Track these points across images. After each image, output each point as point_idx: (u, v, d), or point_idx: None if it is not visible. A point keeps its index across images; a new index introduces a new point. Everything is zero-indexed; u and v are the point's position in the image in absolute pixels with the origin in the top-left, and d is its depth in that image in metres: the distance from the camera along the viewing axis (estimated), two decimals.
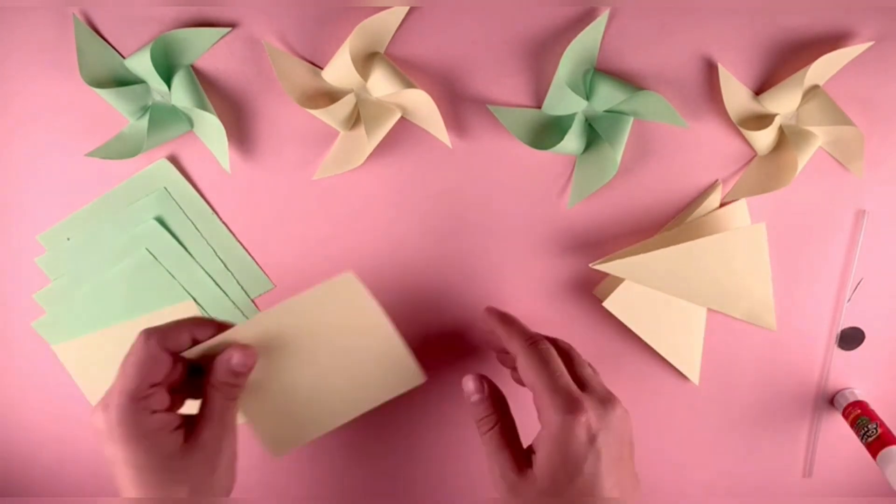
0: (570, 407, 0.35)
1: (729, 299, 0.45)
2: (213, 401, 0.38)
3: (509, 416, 0.40)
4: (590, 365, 0.40)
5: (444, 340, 0.48)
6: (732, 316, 0.46)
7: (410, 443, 0.51)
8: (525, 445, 0.38)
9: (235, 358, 0.37)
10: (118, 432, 0.35)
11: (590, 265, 0.43)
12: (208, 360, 0.37)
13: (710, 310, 0.46)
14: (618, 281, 0.44)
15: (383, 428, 0.51)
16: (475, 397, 0.40)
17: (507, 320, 0.41)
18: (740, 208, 0.44)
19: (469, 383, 0.40)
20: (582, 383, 0.38)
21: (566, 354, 0.39)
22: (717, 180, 0.43)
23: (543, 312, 0.47)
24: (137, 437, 0.35)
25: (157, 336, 0.36)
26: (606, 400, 0.37)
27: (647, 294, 0.44)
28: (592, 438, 0.35)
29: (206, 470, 0.38)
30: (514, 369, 0.40)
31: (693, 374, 0.48)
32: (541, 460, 0.36)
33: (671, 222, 0.45)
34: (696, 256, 0.43)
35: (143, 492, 0.36)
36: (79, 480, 0.52)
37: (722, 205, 0.44)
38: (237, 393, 0.38)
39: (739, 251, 0.43)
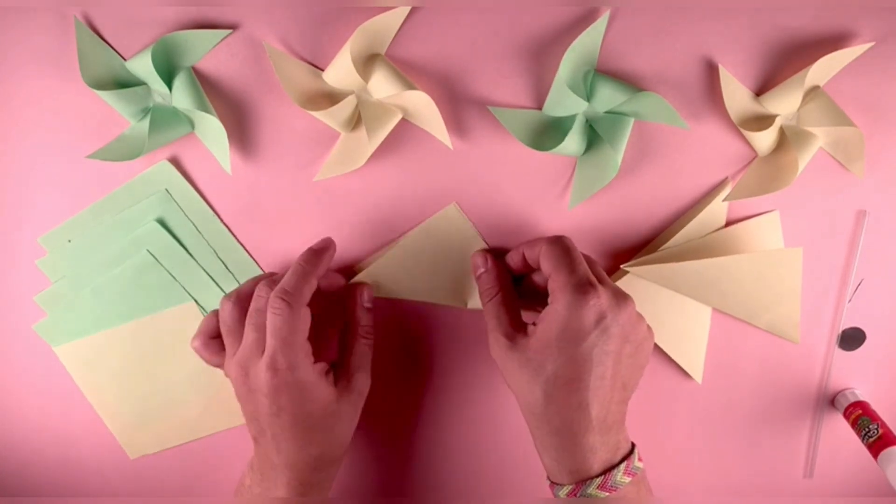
0: (585, 288, 0.36)
1: (756, 312, 0.46)
2: (358, 347, 0.43)
3: (512, 291, 0.42)
4: (607, 275, 0.41)
5: (444, 340, 0.48)
6: (756, 325, 0.46)
7: (412, 441, 0.51)
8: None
9: (366, 293, 0.43)
10: (291, 384, 0.38)
11: (622, 266, 0.44)
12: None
13: (714, 309, 0.46)
14: (621, 274, 0.44)
15: (385, 428, 0.51)
16: (480, 270, 0.43)
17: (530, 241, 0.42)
18: (772, 221, 0.44)
19: (476, 258, 0.43)
20: (599, 279, 0.38)
21: (585, 258, 0.40)
22: (726, 178, 0.43)
23: None
24: (306, 387, 0.39)
25: (296, 293, 0.38)
26: (620, 295, 0.38)
27: (650, 290, 0.44)
28: (600, 319, 0.36)
29: (354, 413, 0.42)
30: (494, 295, 0.42)
31: (697, 372, 0.48)
32: (542, 328, 0.37)
33: (683, 217, 0.45)
34: (731, 271, 0.43)
35: (299, 443, 0.39)
36: (80, 481, 0.52)
37: (754, 215, 0.44)
38: (372, 335, 0.44)
39: (775, 271, 0.44)
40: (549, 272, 0.38)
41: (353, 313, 0.43)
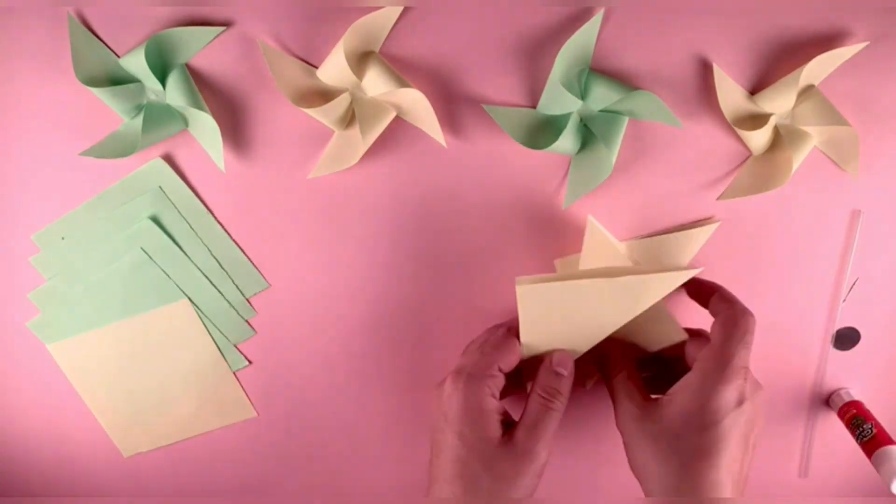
0: (737, 369, 0.36)
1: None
2: (532, 405, 0.39)
3: (636, 366, 0.42)
4: None
5: (440, 339, 0.48)
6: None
7: (414, 445, 0.51)
8: None
9: (556, 356, 0.41)
10: (461, 401, 0.38)
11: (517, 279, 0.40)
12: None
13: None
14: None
15: (386, 426, 0.51)
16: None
17: (715, 288, 0.41)
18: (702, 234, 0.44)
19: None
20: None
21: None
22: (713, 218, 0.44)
23: None
24: (474, 411, 0.38)
25: (514, 334, 0.40)
26: (756, 382, 0.38)
27: None
28: (741, 401, 0.36)
29: (512, 470, 0.38)
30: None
31: None
32: (681, 399, 0.37)
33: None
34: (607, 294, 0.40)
35: (458, 470, 0.38)
36: (74, 480, 0.52)
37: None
38: (558, 401, 0.39)
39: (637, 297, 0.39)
40: (715, 336, 0.38)
41: (539, 373, 0.41)
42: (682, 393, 0.37)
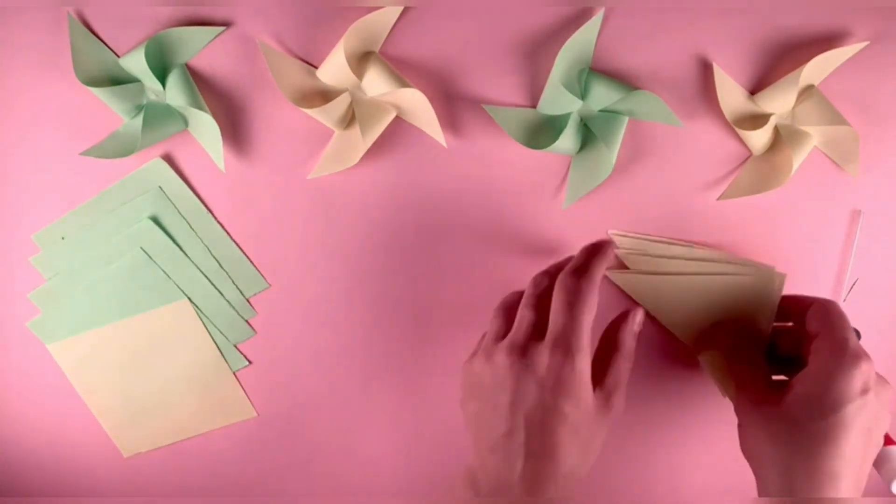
0: (857, 353, 0.35)
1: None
2: (620, 370, 0.38)
3: (761, 350, 0.42)
4: None
5: (440, 339, 0.48)
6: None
7: (418, 436, 0.51)
8: None
9: (638, 316, 0.40)
10: (582, 375, 0.35)
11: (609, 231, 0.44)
12: None
13: None
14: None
15: (386, 426, 0.51)
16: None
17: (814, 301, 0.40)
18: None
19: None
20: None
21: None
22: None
23: None
24: (579, 384, 0.35)
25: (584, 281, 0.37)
26: (882, 377, 0.37)
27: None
28: (865, 390, 0.35)
29: (606, 434, 0.37)
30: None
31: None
32: (803, 387, 0.36)
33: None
34: (700, 291, 0.43)
35: (576, 443, 0.35)
36: (74, 481, 0.52)
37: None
38: (633, 360, 0.39)
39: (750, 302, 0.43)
40: (819, 331, 0.37)
41: (623, 335, 0.39)
42: (803, 380, 0.36)
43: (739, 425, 0.39)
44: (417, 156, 0.43)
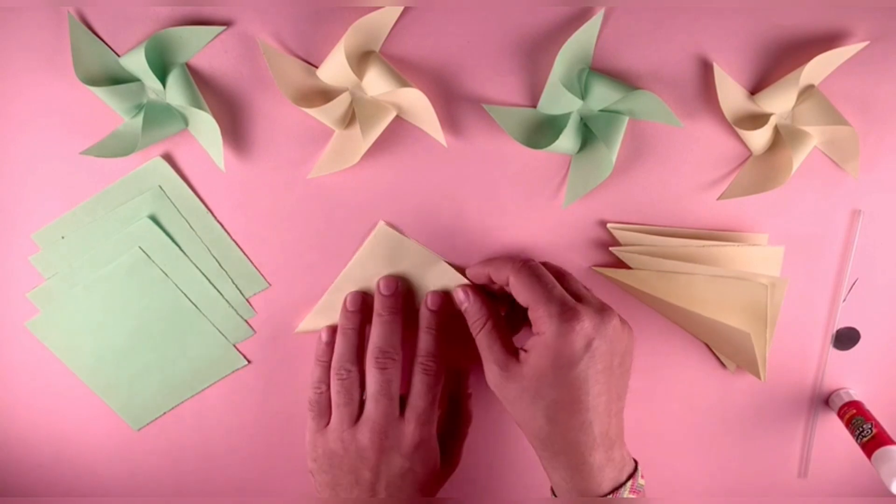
0: (567, 315, 0.37)
1: (719, 341, 0.46)
2: (463, 432, 0.48)
3: (500, 318, 0.42)
4: (584, 286, 0.41)
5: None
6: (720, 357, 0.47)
7: None
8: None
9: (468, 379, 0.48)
10: (434, 442, 0.43)
11: (611, 249, 0.45)
12: None
13: None
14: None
15: None
16: (464, 305, 0.43)
17: (491, 259, 0.43)
18: (775, 255, 0.44)
19: (458, 293, 0.43)
20: (577, 297, 0.39)
21: (559, 273, 0.41)
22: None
23: None
24: (437, 450, 0.44)
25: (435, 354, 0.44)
26: (602, 310, 0.38)
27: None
28: (588, 344, 0.36)
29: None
30: (483, 325, 0.42)
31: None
32: (533, 358, 0.38)
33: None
34: (700, 288, 0.43)
35: (425, 494, 0.43)
36: (76, 480, 0.52)
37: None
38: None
39: (749, 298, 0.43)
40: (526, 303, 0.39)
41: (463, 402, 0.48)
42: (532, 352, 0.38)
43: (499, 396, 0.40)
44: (418, 155, 0.43)
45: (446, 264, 0.44)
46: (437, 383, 0.43)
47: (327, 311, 0.46)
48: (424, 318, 0.44)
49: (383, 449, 0.41)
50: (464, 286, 0.43)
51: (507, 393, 0.39)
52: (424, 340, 0.43)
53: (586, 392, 0.36)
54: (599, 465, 0.37)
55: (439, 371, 0.43)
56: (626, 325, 0.40)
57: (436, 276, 0.45)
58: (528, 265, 0.39)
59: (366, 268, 0.45)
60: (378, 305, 0.44)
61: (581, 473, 0.37)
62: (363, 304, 0.45)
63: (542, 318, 0.37)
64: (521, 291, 0.39)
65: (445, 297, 0.44)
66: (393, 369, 0.42)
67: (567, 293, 0.38)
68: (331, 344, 0.45)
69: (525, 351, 0.38)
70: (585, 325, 0.36)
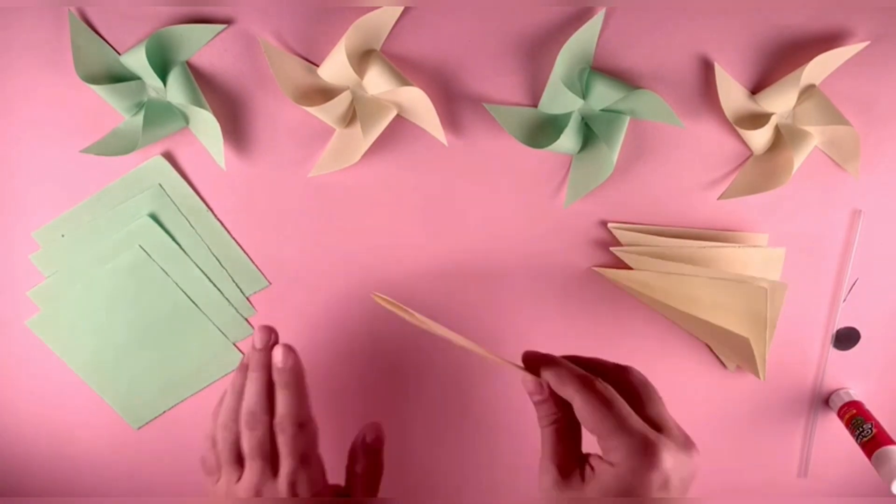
0: (649, 451, 0.32)
1: (719, 341, 0.46)
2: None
3: (573, 418, 0.36)
4: (664, 408, 0.36)
5: (440, 338, 0.48)
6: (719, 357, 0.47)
7: (406, 443, 0.51)
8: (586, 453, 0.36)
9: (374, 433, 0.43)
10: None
11: (612, 249, 0.45)
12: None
13: None
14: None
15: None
16: (536, 398, 0.37)
17: (553, 361, 0.37)
18: (776, 256, 0.44)
19: (529, 384, 0.37)
20: (656, 424, 0.34)
21: (640, 387, 0.36)
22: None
23: (538, 310, 0.47)
24: None
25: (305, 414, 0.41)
26: (686, 445, 0.34)
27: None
28: (665, 484, 0.32)
29: None
30: (553, 422, 0.37)
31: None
32: (600, 483, 0.33)
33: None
34: (698, 291, 0.43)
35: None
36: (76, 480, 0.52)
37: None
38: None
39: (748, 302, 0.42)
40: (594, 431, 0.34)
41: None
42: (600, 477, 0.33)
43: (545, 498, 0.36)
44: (418, 154, 0.43)
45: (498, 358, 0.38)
46: (312, 455, 0.40)
47: None
48: (279, 374, 0.40)
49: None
50: (534, 379, 0.37)
51: (556, 500, 0.34)
52: (280, 400, 0.40)
53: None
54: None
55: (301, 432, 0.40)
56: (699, 456, 0.35)
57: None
58: (594, 386, 0.34)
59: None
60: (252, 360, 0.41)
61: None
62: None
63: (616, 449, 0.33)
64: (588, 418, 0.34)
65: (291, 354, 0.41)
66: (262, 431, 0.39)
67: (646, 421, 0.34)
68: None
69: (592, 469, 0.34)
70: (668, 465, 0.32)
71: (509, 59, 0.41)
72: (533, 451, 0.38)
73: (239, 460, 0.40)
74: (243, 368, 0.41)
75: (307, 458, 0.39)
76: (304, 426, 0.39)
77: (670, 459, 0.32)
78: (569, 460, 0.35)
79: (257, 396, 0.40)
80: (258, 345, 0.41)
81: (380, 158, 0.43)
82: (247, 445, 0.40)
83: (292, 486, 0.39)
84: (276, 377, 0.40)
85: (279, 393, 0.40)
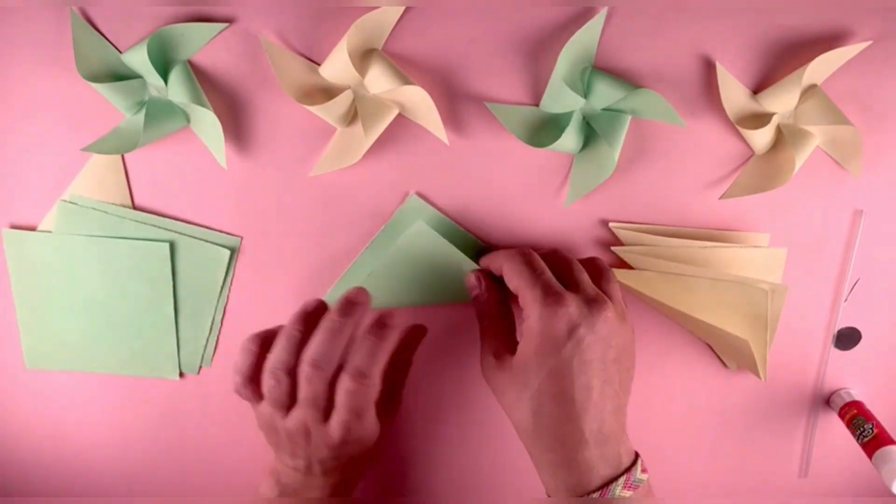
0: (551, 299, 0.36)
1: (721, 342, 0.46)
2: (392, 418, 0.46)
3: (506, 309, 0.41)
4: (599, 279, 0.39)
5: (440, 336, 0.48)
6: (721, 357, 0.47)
7: (408, 441, 0.51)
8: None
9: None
10: (358, 440, 0.40)
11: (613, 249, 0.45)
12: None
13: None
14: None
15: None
16: (474, 292, 0.42)
17: (490, 254, 0.42)
18: (778, 257, 0.44)
19: (470, 279, 0.42)
20: (575, 285, 0.38)
21: (565, 262, 0.39)
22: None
23: None
24: (370, 438, 0.42)
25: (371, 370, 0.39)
26: (593, 300, 0.36)
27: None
28: (572, 330, 0.35)
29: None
30: (488, 315, 0.41)
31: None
32: (522, 345, 0.37)
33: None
34: (700, 291, 0.43)
35: (349, 472, 0.43)
36: (75, 479, 0.52)
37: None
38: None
39: (749, 302, 0.43)
40: (515, 290, 0.38)
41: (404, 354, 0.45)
42: (522, 339, 0.37)
43: (491, 388, 0.39)
44: (420, 153, 0.43)
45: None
46: (368, 395, 0.39)
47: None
48: (377, 325, 0.40)
49: (309, 443, 0.40)
50: (477, 272, 0.42)
51: (496, 384, 0.38)
52: (358, 351, 0.39)
53: (570, 382, 0.35)
54: (588, 463, 0.35)
55: (367, 384, 0.39)
56: (626, 320, 0.38)
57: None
58: (519, 251, 0.39)
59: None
60: (333, 309, 0.39)
61: (569, 470, 0.36)
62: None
63: (527, 302, 0.37)
64: (511, 278, 0.38)
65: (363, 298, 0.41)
66: (320, 382, 0.38)
67: (558, 280, 0.37)
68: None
69: (518, 342, 0.38)
70: (570, 310, 0.35)
71: (511, 58, 0.41)
72: None
73: (282, 407, 0.39)
74: (303, 317, 0.40)
75: (362, 411, 0.39)
76: (367, 378, 0.38)
77: (573, 307, 0.36)
78: (502, 345, 0.39)
79: (341, 342, 0.38)
80: (360, 298, 0.40)
81: (381, 158, 0.43)
82: (302, 393, 0.38)
83: (346, 432, 0.39)
84: (371, 329, 0.39)
85: (363, 341, 0.39)
